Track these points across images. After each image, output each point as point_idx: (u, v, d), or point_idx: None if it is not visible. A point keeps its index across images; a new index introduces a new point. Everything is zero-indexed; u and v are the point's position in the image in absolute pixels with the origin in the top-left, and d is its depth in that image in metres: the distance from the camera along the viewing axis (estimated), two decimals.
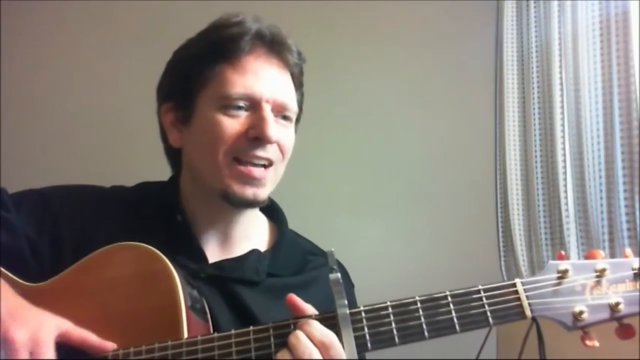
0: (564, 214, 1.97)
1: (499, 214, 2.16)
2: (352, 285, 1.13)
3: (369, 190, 2.25)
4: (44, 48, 2.14)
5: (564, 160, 1.99)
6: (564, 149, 1.99)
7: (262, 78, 0.98)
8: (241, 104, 0.96)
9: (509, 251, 2.13)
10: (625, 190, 1.79)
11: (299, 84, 1.06)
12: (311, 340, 0.79)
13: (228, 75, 0.97)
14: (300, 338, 0.80)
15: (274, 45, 1.01)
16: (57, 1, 2.13)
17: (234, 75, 0.97)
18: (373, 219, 2.26)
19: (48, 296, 0.88)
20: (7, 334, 0.77)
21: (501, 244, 2.15)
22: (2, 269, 0.90)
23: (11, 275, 0.91)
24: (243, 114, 0.97)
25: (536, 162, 2.08)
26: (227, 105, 0.96)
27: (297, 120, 1.07)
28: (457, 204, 2.23)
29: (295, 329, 0.81)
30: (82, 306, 0.86)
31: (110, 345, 0.84)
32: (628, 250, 0.81)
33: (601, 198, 1.84)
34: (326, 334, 0.80)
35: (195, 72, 1.00)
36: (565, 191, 1.98)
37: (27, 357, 0.77)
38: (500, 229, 2.16)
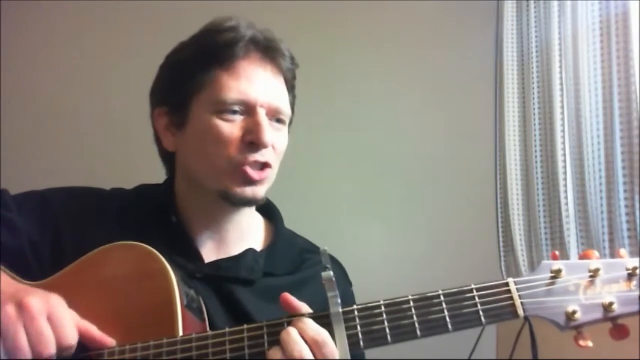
0: (564, 214, 1.96)
1: (499, 214, 2.16)
2: (350, 284, 1.14)
3: (368, 190, 2.26)
4: (44, 48, 2.15)
5: (564, 160, 1.98)
6: (564, 149, 1.98)
7: (256, 83, 0.99)
8: (236, 108, 0.98)
9: (509, 251, 2.13)
10: (625, 190, 1.79)
11: (291, 87, 1.08)
12: (303, 338, 0.80)
13: (223, 80, 0.98)
14: (291, 334, 0.80)
15: (267, 51, 1.02)
16: (57, 1, 2.14)
17: (229, 80, 0.98)
18: (372, 219, 2.25)
19: None
20: (22, 301, 0.79)
21: (501, 244, 2.15)
22: (2, 267, 0.91)
23: (10, 273, 0.92)
24: (238, 118, 0.99)
25: (536, 162, 2.08)
26: (223, 110, 0.98)
27: (290, 122, 1.09)
28: (457, 204, 2.23)
29: (288, 326, 0.82)
30: (79, 304, 0.87)
31: (110, 341, 0.85)
32: (622, 251, 0.81)
33: (601, 198, 1.84)
34: (318, 332, 0.80)
35: (189, 76, 1.01)
36: (565, 191, 1.97)
37: (44, 322, 0.78)
38: (500, 229, 2.16)
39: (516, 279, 0.81)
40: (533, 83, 2.09)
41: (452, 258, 2.10)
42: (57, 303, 0.81)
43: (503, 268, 2.13)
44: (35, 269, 0.96)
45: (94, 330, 0.85)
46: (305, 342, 0.80)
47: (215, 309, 0.97)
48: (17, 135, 2.08)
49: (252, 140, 0.97)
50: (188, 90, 1.01)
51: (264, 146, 0.98)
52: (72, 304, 0.85)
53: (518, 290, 0.80)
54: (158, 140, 1.08)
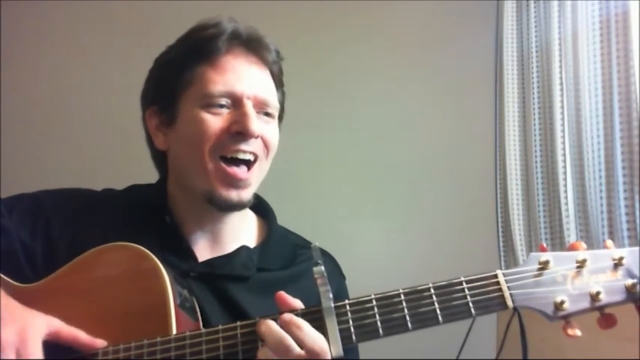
0: (564, 214, 1.96)
1: (499, 214, 2.16)
2: (344, 277, 1.14)
3: (369, 190, 2.26)
4: (44, 48, 2.17)
5: (564, 160, 1.98)
6: (564, 149, 1.98)
7: (242, 76, 1.00)
8: (223, 101, 0.99)
9: (509, 251, 2.13)
10: (625, 190, 1.78)
11: (279, 82, 1.08)
12: (300, 345, 0.79)
13: (209, 75, 0.99)
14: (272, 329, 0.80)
15: (250, 44, 1.03)
16: (57, 1, 2.16)
17: (215, 74, 0.99)
18: (373, 218, 2.26)
19: (39, 296, 0.90)
20: None
21: (501, 244, 2.15)
22: None
23: (3, 276, 0.93)
24: (225, 111, 0.99)
25: (536, 162, 2.08)
26: (210, 103, 0.98)
27: (280, 118, 1.09)
28: (457, 204, 2.23)
29: (283, 326, 0.81)
30: (73, 306, 0.88)
31: (100, 343, 0.85)
32: (609, 242, 0.82)
33: (601, 198, 1.84)
34: (317, 340, 0.80)
35: (176, 74, 1.02)
36: (565, 191, 1.97)
37: (13, 356, 0.77)
38: (500, 229, 2.16)
39: (505, 271, 0.82)
40: (533, 83, 2.09)
41: (452, 258, 2.10)
42: (31, 336, 0.80)
43: (503, 268, 2.12)
44: (28, 271, 0.96)
45: (82, 337, 0.85)
46: (303, 347, 0.79)
47: (210, 307, 0.97)
48: (17, 136, 2.09)
49: (238, 130, 0.98)
50: (176, 87, 1.02)
51: (252, 135, 0.98)
52: (65, 306, 0.86)
53: (507, 281, 0.81)
54: (150, 142, 1.09)
